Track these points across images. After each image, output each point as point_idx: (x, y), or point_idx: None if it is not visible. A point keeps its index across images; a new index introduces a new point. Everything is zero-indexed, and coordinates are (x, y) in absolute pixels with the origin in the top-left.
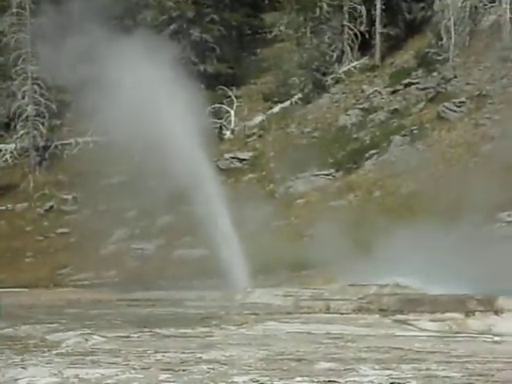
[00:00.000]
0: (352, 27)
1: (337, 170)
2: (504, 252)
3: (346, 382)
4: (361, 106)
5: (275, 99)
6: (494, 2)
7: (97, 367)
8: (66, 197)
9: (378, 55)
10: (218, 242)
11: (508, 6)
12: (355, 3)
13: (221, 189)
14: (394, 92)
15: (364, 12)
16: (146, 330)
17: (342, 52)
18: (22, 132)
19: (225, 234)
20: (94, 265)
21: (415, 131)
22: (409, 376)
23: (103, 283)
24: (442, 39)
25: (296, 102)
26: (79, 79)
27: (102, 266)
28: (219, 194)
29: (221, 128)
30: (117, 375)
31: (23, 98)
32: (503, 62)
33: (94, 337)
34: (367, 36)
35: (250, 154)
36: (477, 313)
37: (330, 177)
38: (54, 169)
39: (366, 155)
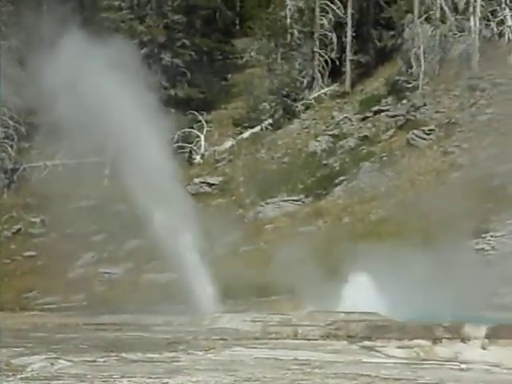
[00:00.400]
0: (323, 54)
1: (306, 196)
2: (470, 279)
3: None
4: (331, 133)
5: (245, 124)
6: (464, 31)
7: None
8: (33, 220)
9: (348, 82)
10: (186, 267)
11: (477, 36)
12: (326, 30)
13: (190, 213)
14: (363, 119)
15: (335, 39)
16: (113, 354)
17: (313, 78)
18: None
19: (193, 258)
20: (62, 288)
21: (384, 158)
22: None
23: (70, 307)
24: (411, 67)
25: (266, 128)
26: (49, 102)
27: (70, 289)
28: (188, 218)
29: (190, 152)
30: None
31: None
32: (472, 90)
33: (60, 361)
34: (338, 63)
35: (220, 178)
36: (444, 340)
37: (299, 202)
38: (22, 191)
39: (336, 181)
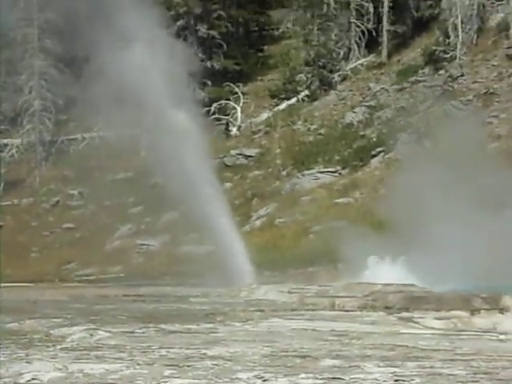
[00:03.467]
0: (359, 24)
1: (343, 168)
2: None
3: (351, 379)
4: (367, 104)
5: (282, 96)
6: (502, 0)
7: (101, 362)
8: (71, 192)
9: (385, 53)
10: (223, 239)
11: None
12: (362, 1)
13: (225, 185)
14: (400, 90)
15: (371, 9)
16: (151, 325)
17: (349, 49)
18: (28, 127)
19: (230, 230)
20: (100, 260)
21: (422, 129)
22: (413, 374)
23: (108, 278)
24: (449, 37)
25: (303, 99)
26: (87, 74)
27: (108, 261)
28: (223, 190)
29: (227, 124)
30: (121, 370)
31: (30, 92)
32: (510, 60)
33: (99, 332)
34: (374, 34)
35: (256, 150)
36: (482, 311)
37: (335, 174)
38: (60, 164)
39: (373, 153)
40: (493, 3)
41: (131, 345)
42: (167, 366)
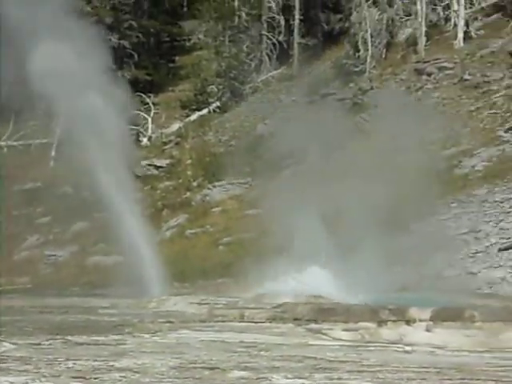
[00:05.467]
0: (270, 37)
1: (253, 179)
2: None
3: None
4: (278, 116)
5: (193, 107)
6: (410, 15)
7: (6, 375)
8: None
9: (295, 65)
10: (132, 250)
11: (423, 20)
12: (274, 13)
13: (136, 195)
14: (311, 102)
15: (282, 22)
16: (58, 337)
17: (261, 61)
18: None
19: (140, 241)
20: (6, 271)
21: (332, 141)
22: None
23: (15, 289)
24: (359, 51)
25: (214, 110)
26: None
27: (15, 272)
28: (135, 200)
29: (138, 135)
30: (27, 383)
31: None
32: (419, 74)
33: (4, 344)
34: (285, 46)
35: (167, 161)
36: (389, 322)
37: (246, 185)
38: None
39: (284, 164)
40: (401, 18)
41: (37, 357)
42: (74, 378)
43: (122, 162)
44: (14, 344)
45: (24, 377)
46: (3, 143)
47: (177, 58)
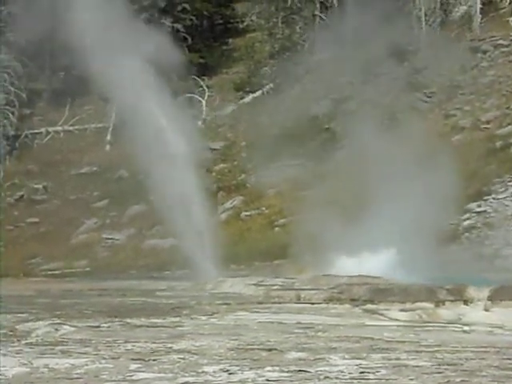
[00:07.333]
0: (323, 17)
1: (308, 160)
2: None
3: (317, 371)
4: (332, 96)
5: (247, 89)
6: None
7: (67, 357)
8: (36, 186)
9: (349, 45)
10: (188, 232)
11: None
12: None
13: (192, 178)
14: (365, 82)
15: (335, 2)
16: (117, 319)
17: (314, 42)
18: None
19: (196, 223)
20: (65, 254)
21: (386, 121)
22: (378, 365)
23: (74, 273)
24: (413, 29)
25: (268, 92)
26: (52, 68)
27: (73, 255)
28: (191, 183)
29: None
30: (86, 365)
31: None
32: (474, 52)
33: (64, 327)
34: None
35: (222, 143)
36: (447, 302)
37: (301, 167)
38: (24, 158)
39: (338, 145)
40: None
41: (96, 339)
42: (133, 360)
43: (181, 146)
44: (73, 326)
45: (84, 359)
46: (59, 128)
47: (230, 41)
